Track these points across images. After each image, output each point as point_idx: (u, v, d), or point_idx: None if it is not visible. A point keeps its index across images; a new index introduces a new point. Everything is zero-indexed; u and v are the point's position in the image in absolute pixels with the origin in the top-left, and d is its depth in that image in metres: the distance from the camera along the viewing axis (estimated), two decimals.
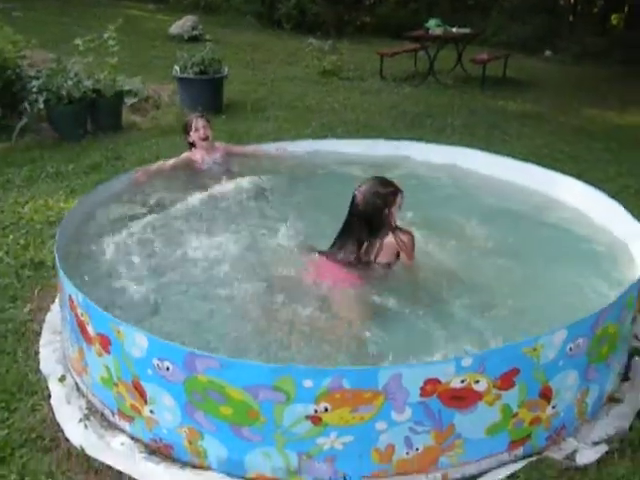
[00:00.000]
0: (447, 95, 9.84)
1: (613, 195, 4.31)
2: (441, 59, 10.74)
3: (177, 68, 8.26)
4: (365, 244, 3.41)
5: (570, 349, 2.72)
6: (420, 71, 11.05)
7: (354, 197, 3.44)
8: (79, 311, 2.96)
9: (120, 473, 2.74)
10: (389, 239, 3.40)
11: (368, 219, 3.41)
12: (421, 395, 2.50)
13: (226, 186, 4.66)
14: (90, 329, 2.90)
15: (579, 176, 4.72)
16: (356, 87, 10.18)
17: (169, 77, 8.73)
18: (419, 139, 6.34)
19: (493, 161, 5.03)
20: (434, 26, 10.72)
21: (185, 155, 4.98)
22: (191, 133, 4.94)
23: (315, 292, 3.36)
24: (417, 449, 2.60)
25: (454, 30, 10.88)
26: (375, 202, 3.39)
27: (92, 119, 7.23)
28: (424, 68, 10.85)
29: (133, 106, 8.08)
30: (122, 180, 4.64)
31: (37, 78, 7.01)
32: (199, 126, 4.90)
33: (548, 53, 14.16)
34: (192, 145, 4.98)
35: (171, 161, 4.92)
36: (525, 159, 5.11)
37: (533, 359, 2.63)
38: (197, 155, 4.97)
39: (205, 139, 4.92)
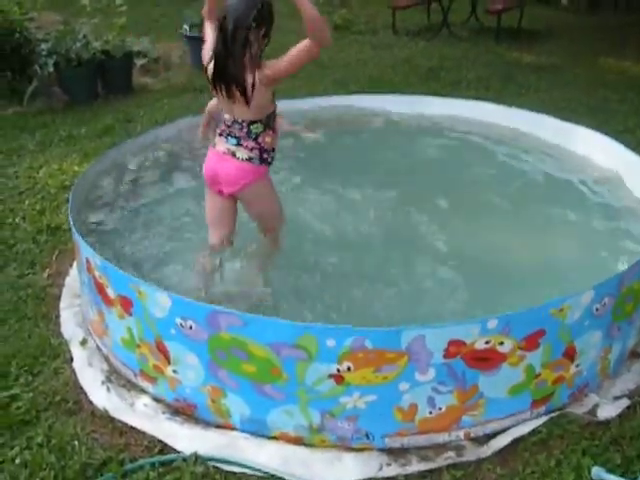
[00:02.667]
0: (461, 48, 9.62)
1: (633, 147, 4.23)
2: (455, 11, 10.48)
3: (186, 27, 8.14)
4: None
5: (596, 309, 2.69)
6: (433, 24, 10.79)
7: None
8: (97, 274, 2.96)
9: (144, 434, 2.77)
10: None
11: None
12: (445, 356, 2.49)
13: None
14: (110, 291, 2.91)
15: (597, 128, 4.62)
16: (368, 42, 9.97)
17: (178, 36, 8.59)
18: (433, 94, 6.22)
19: (508, 113, 4.95)
20: None
21: (210, 105, 4.72)
22: None
23: None
24: (440, 408, 2.60)
25: None
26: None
27: (102, 81, 7.16)
28: (437, 21, 10.60)
29: (143, 67, 7.98)
30: (134, 143, 4.60)
31: (46, 41, 6.93)
32: None
33: (564, 1, 13.79)
34: None
35: (205, 112, 4.71)
36: (541, 112, 5.01)
37: (559, 320, 2.60)
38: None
39: None
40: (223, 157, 3.19)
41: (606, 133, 4.48)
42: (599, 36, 10.61)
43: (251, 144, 3.16)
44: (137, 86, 7.54)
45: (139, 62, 7.85)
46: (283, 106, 5.10)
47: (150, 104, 6.95)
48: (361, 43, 9.87)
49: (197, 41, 8.09)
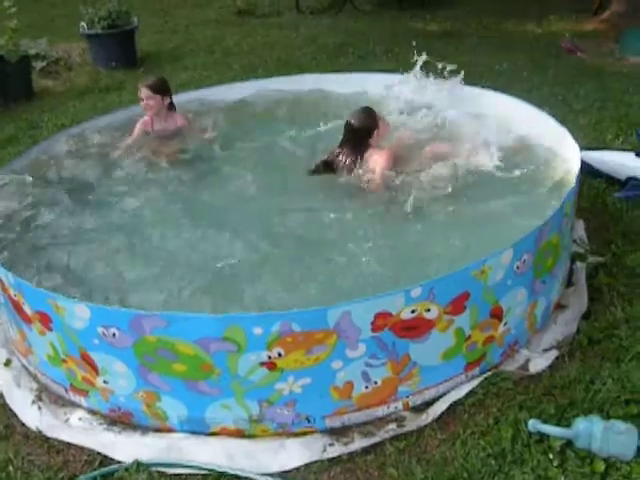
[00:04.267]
0: (366, 21, 9.67)
1: (540, 104, 4.31)
2: None
3: (84, 25, 7.86)
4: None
5: (517, 267, 2.75)
6: (337, 0, 10.79)
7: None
8: (12, 292, 2.85)
9: (82, 448, 2.70)
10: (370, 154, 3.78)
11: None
12: (373, 330, 2.50)
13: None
14: (27, 308, 2.80)
15: (505, 89, 4.70)
16: (273, 24, 9.89)
17: (76, 35, 8.29)
18: (342, 69, 6.22)
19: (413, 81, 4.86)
20: None
21: (139, 123, 4.57)
22: None
23: None
24: (375, 382, 2.62)
25: None
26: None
27: (0, 89, 6.83)
28: None
29: (43, 70, 7.70)
30: (38, 150, 4.40)
31: None
32: (140, 96, 4.47)
33: None
34: None
35: (133, 134, 4.55)
36: (449, 78, 5.05)
37: (482, 281, 2.64)
38: (150, 122, 4.56)
39: (146, 109, 4.49)
40: None
41: (513, 93, 4.56)
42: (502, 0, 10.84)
43: None
44: (38, 90, 7.26)
45: (38, 65, 7.55)
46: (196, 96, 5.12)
47: (54, 108, 6.71)
48: (266, 26, 9.78)
49: (97, 39, 7.89)
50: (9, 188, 3.98)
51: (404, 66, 5.07)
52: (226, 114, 4.90)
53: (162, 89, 4.49)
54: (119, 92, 7.11)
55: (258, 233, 3.41)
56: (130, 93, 6.89)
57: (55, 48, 8.18)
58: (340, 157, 3.88)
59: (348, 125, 3.86)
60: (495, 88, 4.73)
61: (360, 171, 3.79)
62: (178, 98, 4.76)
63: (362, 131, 3.81)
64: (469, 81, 4.96)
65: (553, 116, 4.04)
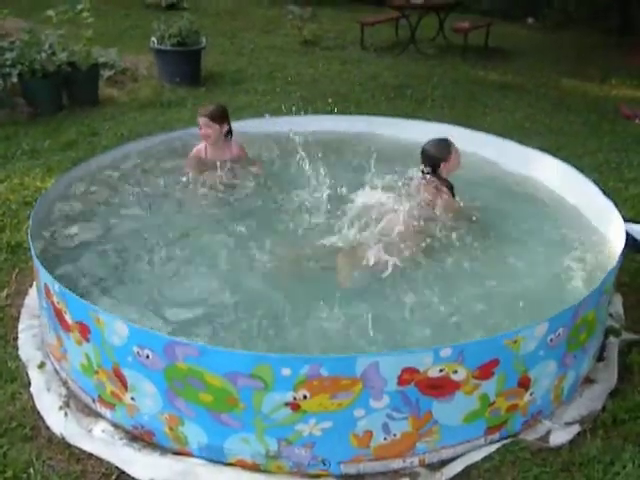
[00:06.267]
0: (428, 65, 9.77)
1: (592, 169, 4.31)
2: (423, 28, 10.63)
3: (154, 40, 8.12)
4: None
5: (551, 340, 2.75)
6: (401, 40, 10.93)
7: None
8: (55, 299, 2.95)
9: (101, 460, 2.76)
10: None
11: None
12: (398, 383, 2.53)
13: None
14: (68, 317, 2.89)
15: (559, 150, 4.73)
16: (336, 57, 10.07)
17: (146, 48, 8.55)
18: (399, 112, 6.28)
19: (469, 137, 4.87)
20: None
21: (194, 150, 4.60)
22: None
23: None
24: (394, 435, 2.64)
25: None
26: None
27: (68, 93, 7.09)
28: (405, 37, 10.74)
29: (110, 79, 7.93)
30: (97, 160, 4.58)
31: (10, 50, 6.82)
32: (199, 123, 4.43)
33: (530, 20, 14.07)
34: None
35: (187, 161, 4.61)
36: (505, 132, 5.07)
37: (513, 351, 2.65)
38: (204, 149, 4.57)
39: (205, 138, 4.47)
40: None
41: (567, 155, 4.57)
42: (564, 56, 10.86)
43: None
44: (103, 98, 7.48)
45: (106, 74, 7.80)
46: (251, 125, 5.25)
47: (116, 117, 6.91)
48: (329, 59, 9.95)
49: (165, 54, 8.13)
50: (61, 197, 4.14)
51: (460, 114, 5.12)
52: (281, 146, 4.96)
53: (221, 117, 4.46)
54: (179, 109, 7.29)
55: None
56: (190, 111, 7.09)
57: (124, 59, 8.42)
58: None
59: (422, 150, 3.93)
60: (549, 148, 4.74)
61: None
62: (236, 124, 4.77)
63: (432, 158, 3.87)
64: (524, 137, 5.00)
65: (603, 184, 4.03)
